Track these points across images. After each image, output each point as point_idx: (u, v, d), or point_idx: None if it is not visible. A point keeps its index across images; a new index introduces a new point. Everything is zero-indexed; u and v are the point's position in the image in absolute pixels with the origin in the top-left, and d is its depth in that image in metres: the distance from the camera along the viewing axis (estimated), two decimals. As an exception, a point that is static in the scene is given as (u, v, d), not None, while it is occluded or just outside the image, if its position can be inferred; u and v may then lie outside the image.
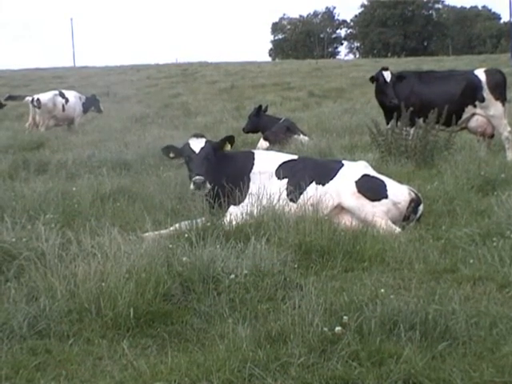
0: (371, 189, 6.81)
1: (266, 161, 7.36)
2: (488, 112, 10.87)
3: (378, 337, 3.90)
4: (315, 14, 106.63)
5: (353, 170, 7.04)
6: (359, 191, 6.75)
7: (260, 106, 14.02)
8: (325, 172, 7.07)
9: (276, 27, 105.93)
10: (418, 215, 6.89)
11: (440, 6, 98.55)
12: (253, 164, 7.28)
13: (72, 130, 18.88)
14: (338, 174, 6.99)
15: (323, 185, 6.92)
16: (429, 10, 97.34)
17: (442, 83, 11.08)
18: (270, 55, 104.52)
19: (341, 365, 3.66)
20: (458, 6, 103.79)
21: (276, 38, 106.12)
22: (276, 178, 7.13)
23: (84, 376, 3.77)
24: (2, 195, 7.87)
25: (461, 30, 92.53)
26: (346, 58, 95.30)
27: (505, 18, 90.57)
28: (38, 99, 18.45)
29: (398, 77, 11.15)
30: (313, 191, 6.85)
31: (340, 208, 6.80)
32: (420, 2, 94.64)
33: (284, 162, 7.29)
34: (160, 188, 8.14)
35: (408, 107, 10.42)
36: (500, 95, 10.92)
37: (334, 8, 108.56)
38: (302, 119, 16.96)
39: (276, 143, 12.15)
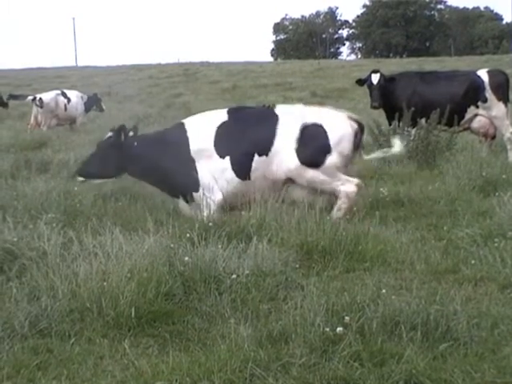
0: (313, 154, 6.63)
1: (201, 133, 6.99)
2: (490, 113, 10.87)
3: (380, 337, 3.89)
4: (317, 14, 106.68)
5: (288, 126, 6.76)
6: (303, 163, 6.62)
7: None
8: (263, 136, 6.78)
9: (278, 27, 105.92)
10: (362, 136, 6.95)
11: (442, 6, 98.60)
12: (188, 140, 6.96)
13: (74, 129, 18.91)
14: (277, 138, 6.74)
15: (266, 155, 6.74)
16: (431, 10, 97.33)
17: (444, 84, 11.08)
18: (272, 55, 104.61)
19: (342, 365, 3.66)
20: (461, 6, 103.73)
21: (278, 38, 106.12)
22: (218, 157, 6.85)
23: (85, 375, 3.77)
24: (4, 195, 7.88)
25: (463, 31, 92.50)
26: (348, 58, 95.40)
27: (507, 18, 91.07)
28: (40, 99, 18.48)
29: (390, 79, 11.14)
30: (259, 166, 6.71)
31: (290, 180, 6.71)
32: (422, 2, 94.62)
33: (218, 129, 6.93)
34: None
35: (410, 107, 10.43)
36: (502, 96, 10.92)
37: (337, 8, 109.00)
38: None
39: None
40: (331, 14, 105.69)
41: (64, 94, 19.25)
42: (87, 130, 17.77)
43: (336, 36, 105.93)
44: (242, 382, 3.58)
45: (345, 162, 6.81)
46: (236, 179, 6.77)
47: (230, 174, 6.78)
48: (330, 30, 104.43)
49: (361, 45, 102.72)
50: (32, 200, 7.45)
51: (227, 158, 6.79)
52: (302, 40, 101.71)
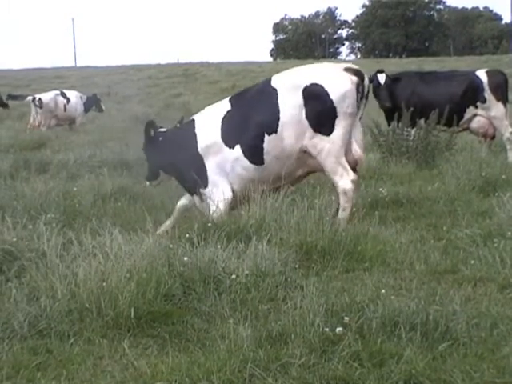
0: (322, 119, 6.35)
1: (208, 128, 6.86)
2: (489, 113, 10.88)
3: (379, 337, 3.89)
4: (317, 14, 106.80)
5: (288, 90, 6.51)
6: (315, 130, 6.38)
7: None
8: (267, 114, 6.52)
9: (277, 27, 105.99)
10: (367, 84, 6.58)
11: (441, 6, 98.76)
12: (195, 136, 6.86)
13: (73, 129, 18.93)
14: (281, 109, 6.46)
15: (276, 132, 6.49)
16: (430, 10, 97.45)
17: (443, 84, 11.10)
18: (271, 55, 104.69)
19: (342, 365, 3.66)
20: (460, 6, 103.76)
21: (277, 38, 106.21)
22: (228, 148, 6.70)
23: (85, 376, 3.76)
24: (3, 195, 7.88)
25: (462, 31, 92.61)
26: (348, 58, 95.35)
27: (506, 18, 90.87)
28: (39, 99, 18.52)
29: (395, 79, 11.17)
30: (271, 146, 6.50)
31: (303, 153, 6.50)
32: (421, 2, 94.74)
33: (223, 121, 6.78)
34: (161, 188, 8.13)
35: (409, 108, 10.44)
36: (501, 96, 10.93)
37: (336, 8, 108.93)
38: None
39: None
40: (330, 14, 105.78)
41: (63, 95, 19.28)
42: (86, 131, 17.80)
43: (335, 36, 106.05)
44: (242, 382, 3.58)
45: (352, 121, 6.49)
46: (251, 166, 6.62)
47: (244, 162, 6.63)
48: (330, 30, 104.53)
49: (360, 45, 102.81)
50: (31, 200, 7.45)
51: (237, 147, 6.65)
52: (302, 40, 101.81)
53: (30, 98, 19.04)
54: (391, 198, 7.66)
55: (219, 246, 5.20)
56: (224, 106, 6.93)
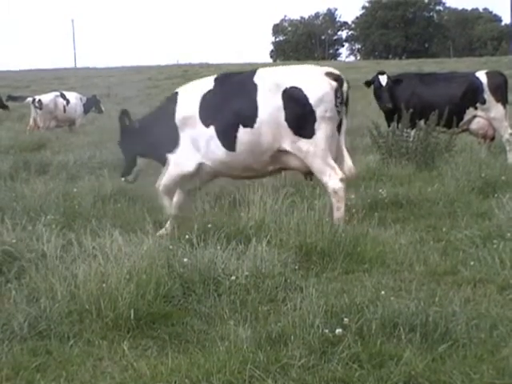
0: (303, 124, 6.35)
1: (188, 101, 6.92)
2: (489, 114, 10.87)
3: (379, 339, 3.89)
4: (316, 15, 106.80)
5: (269, 89, 6.49)
6: (295, 133, 6.37)
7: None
8: (245, 106, 6.52)
9: (277, 29, 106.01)
10: (346, 90, 6.52)
11: (441, 7, 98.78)
12: (175, 106, 6.95)
13: (73, 130, 18.93)
14: (259, 107, 6.47)
15: (251, 127, 6.51)
16: (430, 11, 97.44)
17: (443, 85, 11.10)
18: (271, 57, 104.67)
19: (341, 367, 3.66)
20: (459, 8, 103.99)
21: (277, 39, 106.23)
22: (202, 126, 6.75)
23: (84, 377, 3.76)
24: (3, 196, 7.88)
25: (462, 32, 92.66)
26: (347, 59, 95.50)
27: (506, 20, 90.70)
28: (39, 100, 18.52)
29: (396, 80, 11.18)
30: (244, 137, 6.52)
31: (279, 152, 6.51)
32: (421, 3, 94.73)
33: (203, 97, 6.83)
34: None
35: (409, 109, 10.45)
36: (501, 97, 10.92)
37: (336, 10, 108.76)
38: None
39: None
40: (330, 15, 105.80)
41: (63, 96, 19.28)
42: (86, 132, 17.80)
43: (335, 37, 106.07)
44: (241, 383, 3.58)
45: (333, 124, 6.51)
46: (223, 149, 6.66)
47: (217, 143, 6.67)
48: (329, 32, 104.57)
49: (360, 46, 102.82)
50: (31, 201, 7.45)
51: (212, 127, 6.68)
52: (301, 41, 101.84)
53: (29, 99, 19.03)
54: (391, 199, 7.67)
55: (219, 247, 5.20)
56: (208, 83, 7.00)
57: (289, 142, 6.45)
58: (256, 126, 6.49)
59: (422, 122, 10.56)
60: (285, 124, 6.41)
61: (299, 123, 6.38)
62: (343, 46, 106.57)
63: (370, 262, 5.56)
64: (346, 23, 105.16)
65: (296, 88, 6.41)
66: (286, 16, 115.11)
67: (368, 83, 11.46)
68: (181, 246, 5.35)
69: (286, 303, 4.57)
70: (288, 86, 6.44)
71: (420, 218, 7.13)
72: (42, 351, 4.05)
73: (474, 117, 10.97)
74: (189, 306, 4.67)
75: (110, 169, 9.84)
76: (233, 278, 4.80)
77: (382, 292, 4.57)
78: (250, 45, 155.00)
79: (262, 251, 5.15)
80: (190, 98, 6.92)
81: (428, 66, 39.75)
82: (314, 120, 6.37)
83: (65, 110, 18.99)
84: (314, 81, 6.46)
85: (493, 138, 11.16)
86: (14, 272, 5.11)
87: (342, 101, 6.48)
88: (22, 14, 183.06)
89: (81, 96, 20.04)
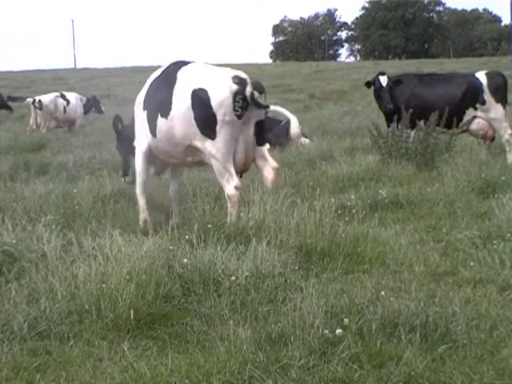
0: (207, 125, 6.42)
1: (143, 88, 7.29)
2: (489, 115, 10.86)
3: (379, 339, 3.90)
4: (316, 16, 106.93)
5: (184, 87, 6.61)
6: (202, 133, 6.46)
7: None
8: (163, 98, 6.71)
9: (277, 29, 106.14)
10: (249, 94, 6.39)
11: (441, 8, 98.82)
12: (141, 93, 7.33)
13: (73, 131, 18.92)
14: (173, 102, 6.62)
15: (166, 118, 6.71)
16: (430, 12, 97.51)
17: (442, 86, 11.09)
18: (270, 57, 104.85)
19: (341, 367, 3.66)
20: (459, 8, 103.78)
21: (277, 39, 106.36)
22: (142, 111, 7.14)
23: (84, 377, 3.77)
24: (3, 197, 7.89)
25: (462, 33, 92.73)
26: (347, 60, 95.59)
27: (505, 20, 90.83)
28: (39, 101, 18.52)
29: (396, 81, 11.18)
30: (161, 126, 6.78)
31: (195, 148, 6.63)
32: (421, 4, 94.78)
33: (151, 85, 7.16)
34: (160, 189, 8.13)
35: (409, 109, 10.45)
36: (501, 98, 10.91)
37: (335, 10, 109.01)
38: (302, 121, 16.85)
39: (277, 145, 12.16)
40: (330, 16, 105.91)
41: (63, 96, 19.28)
42: (86, 132, 17.79)
43: (335, 38, 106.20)
44: (241, 383, 3.58)
45: (233, 128, 6.46)
46: (149, 133, 6.97)
47: (146, 128, 7.01)
48: (329, 32, 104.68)
49: (360, 47, 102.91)
50: (31, 202, 7.46)
51: (145, 113, 7.05)
52: (301, 42, 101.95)
53: (29, 99, 19.03)
54: (391, 199, 7.67)
55: (219, 248, 5.21)
56: (158, 71, 7.25)
57: (198, 140, 6.57)
58: (169, 118, 6.69)
59: (421, 123, 10.55)
60: (194, 123, 6.55)
61: (204, 124, 6.49)
62: (343, 46, 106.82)
63: (370, 262, 5.56)
64: (345, 24, 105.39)
65: (202, 90, 6.52)
66: (285, 16, 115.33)
67: (368, 84, 11.46)
68: (181, 246, 5.35)
69: (285, 303, 4.58)
70: (196, 88, 6.54)
71: (420, 219, 7.13)
72: (42, 351, 4.05)
73: (474, 117, 10.96)
74: (189, 306, 4.67)
75: (110, 169, 9.85)
76: (233, 278, 4.80)
77: (382, 292, 4.57)
78: (249, 45, 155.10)
79: (262, 251, 5.15)
80: (144, 86, 7.29)
81: (427, 66, 39.75)
82: (215, 123, 6.45)
83: (65, 111, 18.99)
84: (217, 84, 6.52)
85: (493, 139, 11.15)
86: (14, 272, 5.11)
87: (242, 105, 6.43)
88: (21, 15, 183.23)
89: (81, 96, 20.03)
